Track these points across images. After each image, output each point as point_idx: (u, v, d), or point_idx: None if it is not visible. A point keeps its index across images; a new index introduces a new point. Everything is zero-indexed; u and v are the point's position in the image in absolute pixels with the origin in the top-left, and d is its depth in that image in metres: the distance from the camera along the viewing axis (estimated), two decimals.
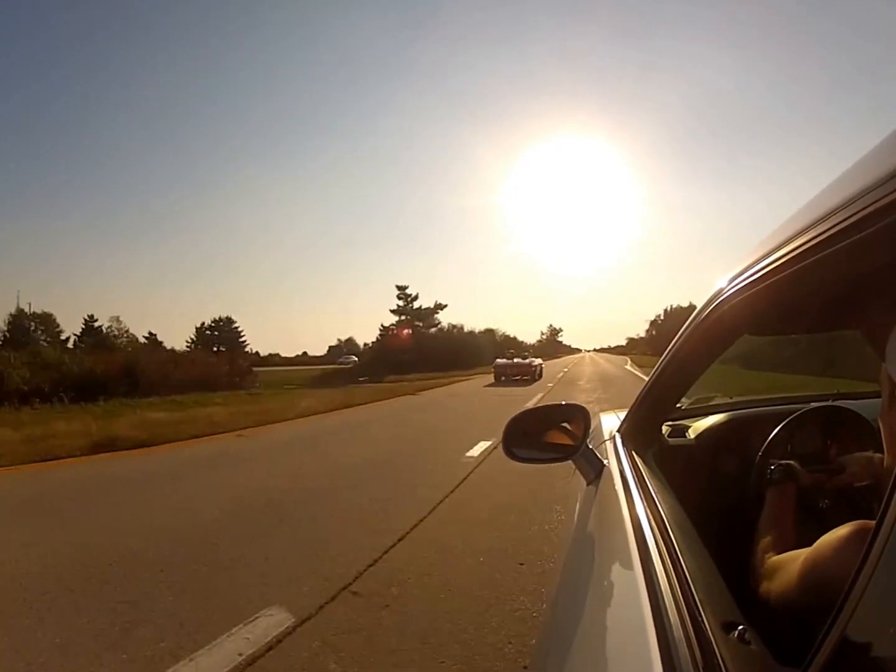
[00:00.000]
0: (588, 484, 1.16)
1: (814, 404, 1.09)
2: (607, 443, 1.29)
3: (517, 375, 18.63)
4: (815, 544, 0.58)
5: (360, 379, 22.51)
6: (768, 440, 1.01)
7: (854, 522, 0.54)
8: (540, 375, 19.86)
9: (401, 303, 31.81)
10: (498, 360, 20.54)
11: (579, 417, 1.14)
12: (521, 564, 2.76)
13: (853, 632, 0.33)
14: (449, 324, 31.64)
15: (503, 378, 18.72)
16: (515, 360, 19.99)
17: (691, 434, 1.27)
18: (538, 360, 21.02)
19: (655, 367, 1.06)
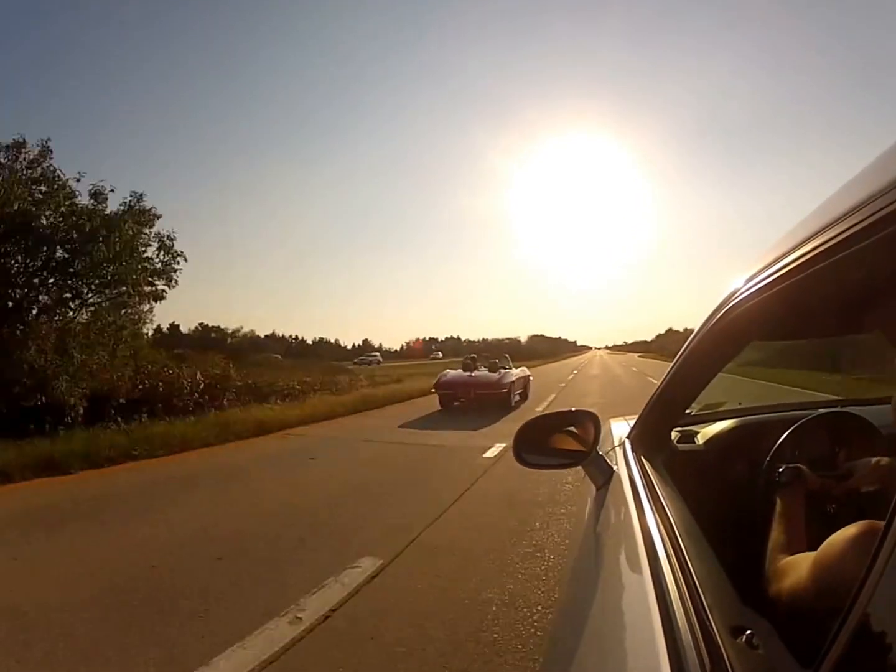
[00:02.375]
0: (598, 489, 1.17)
1: (822, 410, 1.10)
2: (617, 449, 1.30)
3: (482, 398, 10.29)
4: (823, 544, 0.58)
5: None
6: (776, 446, 1.01)
7: (861, 522, 0.54)
8: (524, 397, 11.80)
9: None
10: (447, 373, 11.52)
11: (589, 423, 1.16)
12: None
13: (862, 636, 0.33)
14: None
15: (456, 403, 10.75)
16: (477, 371, 11.27)
17: (700, 440, 1.28)
18: (517, 372, 11.65)
19: (665, 374, 1.07)
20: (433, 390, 11.15)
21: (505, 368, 11.35)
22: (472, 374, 11.02)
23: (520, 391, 11.57)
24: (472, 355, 12.60)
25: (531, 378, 12.89)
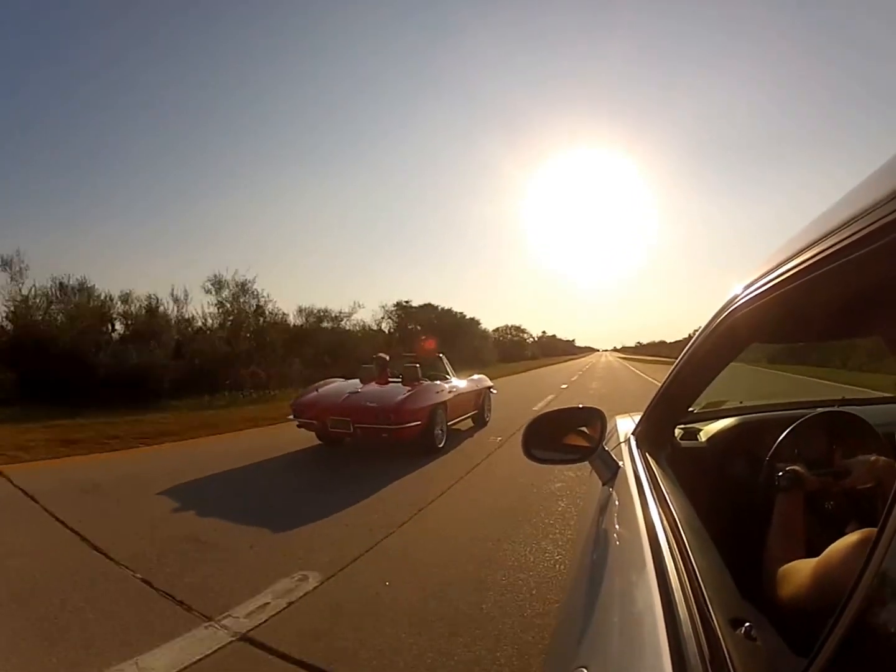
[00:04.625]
0: (603, 484, 1.20)
1: (820, 410, 1.12)
2: (622, 445, 1.34)
3: (370, 435, 5.07)
4: (825, 551, 0.59)
5: None
6: (776, 444, 1.04)
7: (863, 530, 0.56)
8: (478, 421, 7.17)
9: None
10: (322, 385, 5.96)
11: (596, 420, 1.19)
12: None
13: (857, 630, 0.35)
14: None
15: (346, 440, 5.62)
16: (379, 384, 5.83)
17: (703, 437, 1.31)
18: (459, 386, 6.39)
19: (669, 372, 1.10)
20: (291, 417, 5.69)
21: (440, 379, 6.28)
22: (360, 390, 5.61)
23: (472, 412, 6.92)
24: (382, 355, 6.57)
25: (493, 391, 7.74)
